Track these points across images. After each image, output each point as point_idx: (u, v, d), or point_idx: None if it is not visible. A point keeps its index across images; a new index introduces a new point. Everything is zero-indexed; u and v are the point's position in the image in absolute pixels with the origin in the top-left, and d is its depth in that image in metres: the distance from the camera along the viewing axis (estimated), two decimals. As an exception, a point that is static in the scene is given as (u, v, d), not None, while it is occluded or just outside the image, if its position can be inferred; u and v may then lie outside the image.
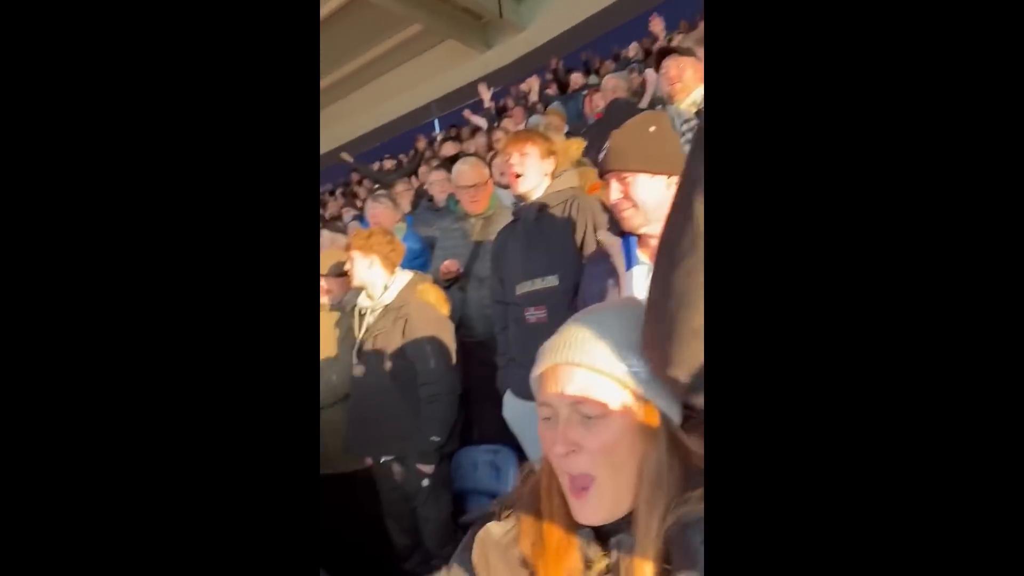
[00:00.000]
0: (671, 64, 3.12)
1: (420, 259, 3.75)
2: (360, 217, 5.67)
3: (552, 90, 8.31)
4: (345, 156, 8.33)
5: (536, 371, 0.94)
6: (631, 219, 1.82)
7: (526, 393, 2.21)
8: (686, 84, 3.06)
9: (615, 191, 1.83)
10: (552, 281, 2.40)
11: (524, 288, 2.46)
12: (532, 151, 2.48)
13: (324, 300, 3.16)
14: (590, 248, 2.32)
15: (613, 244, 1.90)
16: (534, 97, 8.11)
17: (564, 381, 0.88)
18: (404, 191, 5.74)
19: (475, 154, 4.64)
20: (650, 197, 1.78)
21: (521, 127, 5.79)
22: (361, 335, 2.82)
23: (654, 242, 1.34)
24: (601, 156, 1.86)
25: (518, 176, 2.47)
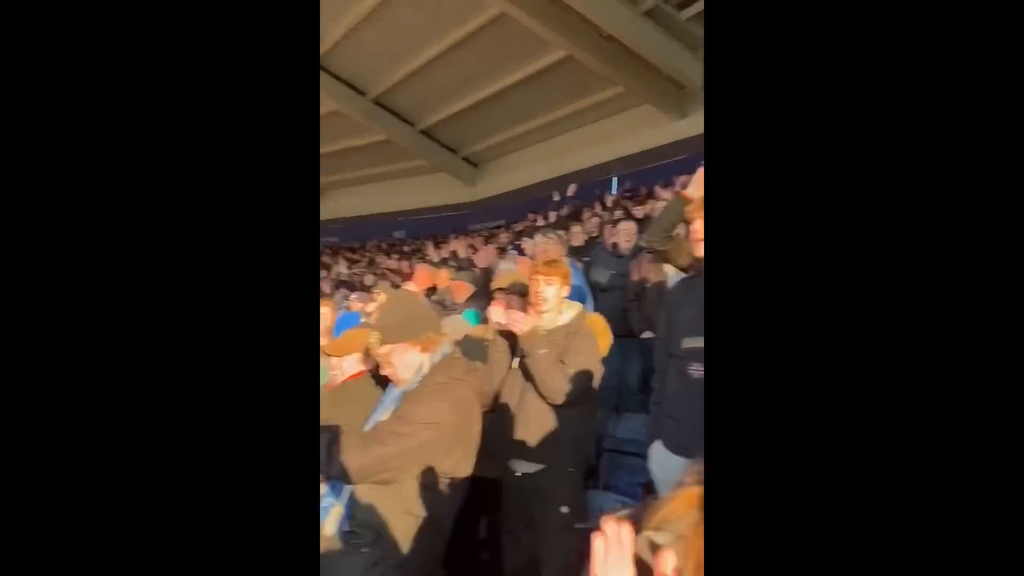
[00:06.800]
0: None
1: (577, 296, 3.96)
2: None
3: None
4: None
5: None
6: None
7: (677, 447, 2.21)
8: None
9: None
10: None
11: (691, 343, 2.42)
12: None
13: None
14: None
15: None
16: None
17: None
18: (578, 233, 6.90)
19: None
20: None
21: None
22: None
23: None
24: None
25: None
